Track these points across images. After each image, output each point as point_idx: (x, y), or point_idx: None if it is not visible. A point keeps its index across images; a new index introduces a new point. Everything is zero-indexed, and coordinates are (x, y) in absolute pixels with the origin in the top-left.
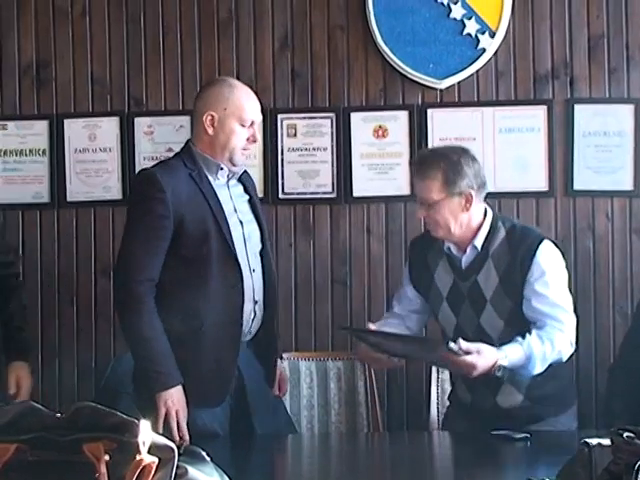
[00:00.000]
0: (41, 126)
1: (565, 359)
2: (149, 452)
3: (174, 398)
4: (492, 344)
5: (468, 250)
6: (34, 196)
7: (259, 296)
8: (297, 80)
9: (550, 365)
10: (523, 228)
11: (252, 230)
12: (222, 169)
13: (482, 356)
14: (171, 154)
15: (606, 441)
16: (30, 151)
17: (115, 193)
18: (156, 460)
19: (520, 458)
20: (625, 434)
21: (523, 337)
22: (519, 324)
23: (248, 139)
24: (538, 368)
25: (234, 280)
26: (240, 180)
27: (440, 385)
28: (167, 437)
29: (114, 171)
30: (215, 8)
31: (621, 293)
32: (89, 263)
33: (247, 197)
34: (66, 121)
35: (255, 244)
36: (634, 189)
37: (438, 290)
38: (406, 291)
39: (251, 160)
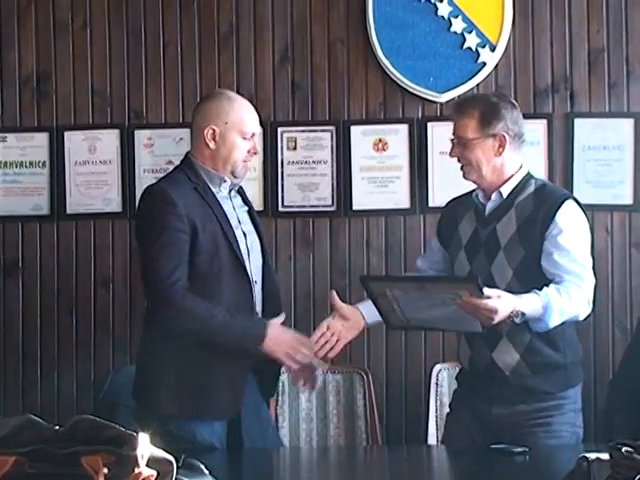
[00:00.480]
0: (41, 138)
1: (582, 317)
2: (148, 465)
3: (273, 342)
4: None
5: (493, 196)
6: (34, 208)
7: (259, 308)
8: (297, 93)
9: (554, 329)
10: (553, 186)
11: (254, 241)
12: (225, 181)
13: (502, 300)
14: (171, 167)
15: (605, 455)
16: (30, 163)
17: (115, 206)
18: (155, 473)
19: (519, 472)
20: (624, 449)
21: (540, 290)
22: (527, 278)
23: (249, 151)
24: (555, 320)
25: (243, 292)
26: (237, 191)
27: (439, 399)
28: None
29: (114, 183)
30: (216, 21)
31: (620, 307)
32: (88, 275)
33: (246, 208)
34: (66, 133)
35: (257, 256)
36: (634, 203)
37: (459, 239)
38: (431, 243)
39: (251, 173)
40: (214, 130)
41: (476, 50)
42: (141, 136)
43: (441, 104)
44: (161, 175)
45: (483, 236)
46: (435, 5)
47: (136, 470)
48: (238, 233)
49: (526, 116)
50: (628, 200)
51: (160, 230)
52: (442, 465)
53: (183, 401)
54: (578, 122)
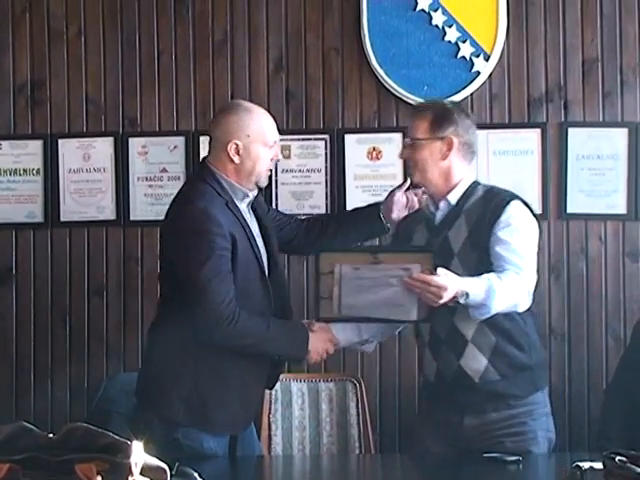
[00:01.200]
0: (35, 146)
1: (521, 309)
2: (141, 473)
3: (313, 348)
4: (456, 303)
5: (441, 205)
6: (28, 215)
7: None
8: (291, 102)
9: (509, 323)
10: (500, 189)
11: (264, 254)
12: (247, 196)
13: (450, 279)
14: (165, 175)
15: (598, 465)
16: (24, 170)
17: (109, 213)
18: None
19: None
20: (617, 458)
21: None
22: None
23: (272, 159)
24: (497, 304)
25: (267, 305)
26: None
27: None
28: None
29: (108, 191)
30: (210, 29)
31: (614, 316)
32: (82, 283)
33: (256, 218)
34: (60, 141)
35: (266, 268)
36: (627, 213)
37: None
38: None
39: None
40: (237, 145)
41: (470, 59)
42: (135, 144)
43: None
44: (155, 183)
45: (436, 245)
46: (429, 14)
47: (130, 478)
48: (261, 248)
49: (520, 125)
50: (622, 209)
51: (209, 252)
52: (435, 474)
53: (195, 412)
54: (572, 131)
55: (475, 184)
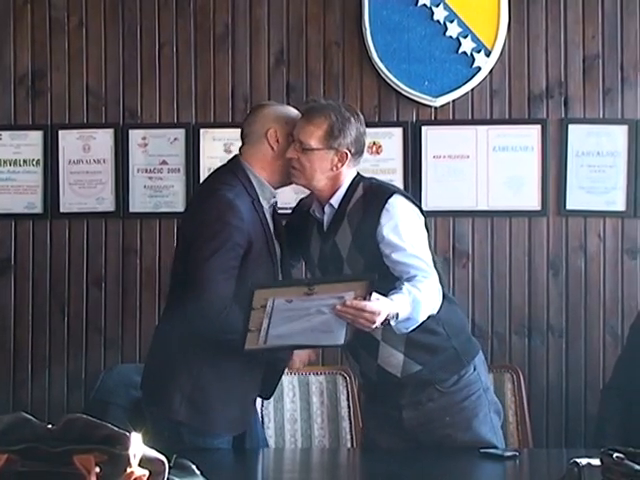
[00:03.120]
0: (35, 136)
1: (436, 310)
2: (140, 465)
3: (297, 356)
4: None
5: (326, 209)
6: (27, 206)
7: None
8: (292, 95)
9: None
10: (379, 185)
11: (278, 258)
12: (274, 197)
13: (382, 303)
14: (165, 167)
15: (596, 461)
16: (24, 161)
17: (108, 205)
18: (147, 473)
19: (509, 477)
20: (615, 454)
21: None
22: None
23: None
24: (422, 315)
25: None
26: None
27: None
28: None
29: (108, 182)
30: (211, 22)
31: (612, 313)
32: (81, 274)
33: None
34: (60, 132)
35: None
36: (626, 209)
37: (312, 259)
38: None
39: None
40: (276, 131)
41: (471, 55)
42: (135, 136)
43: (436, 108)
44: (155, 175)
45: (327, 251)
46: (431, 9)
47: (128, 470)
48: (277, 252)
49: (520, 121)
50: (621, 206)
51: (224, 242)
52: (430, 468)
53: (197, 412)
54: (572, 128)
55: (356, 181)
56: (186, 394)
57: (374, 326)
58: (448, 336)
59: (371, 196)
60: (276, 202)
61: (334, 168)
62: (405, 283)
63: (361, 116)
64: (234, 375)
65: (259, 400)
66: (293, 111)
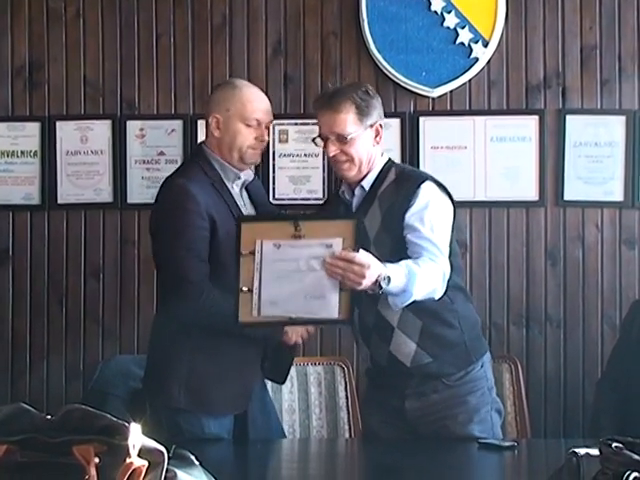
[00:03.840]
0: (33, 128)
1: (437, 295)
2: (139, 455)
3: (291, 328)
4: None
5: (356, 191)
6: (25, 197)
7: None
8: (290, 86)
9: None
10: (412, 170)
11: None
12: (239, 178)
13: (373, 258)
14: (162, 158)
15: (594, 451)
16: (22, 152)
17: (106, 196)
18: (146, 463)
19: (507, 467)
20: (614, 444)
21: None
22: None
23: (256, 138)
24: (418, 291)
25: None
26: (246, 188)
27: None
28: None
29: (105, 174)
30: (209, 13)
31: (610, 303)
32: (79, 265)
33: (252, 205)
34: (58, 123)
35: None
36: (624, 200)
37: None
38: None
39: None
40: (217, 118)
41: (469, 45)
42: (133, 127)
43: (433, 99)
44: (152, 166)
45: (361, 216)
46: (428, 0)
47: (127, 460)
48: None
49: (518, 112)
50: (619, 197)
51: (183, 228)
52: (428, 459)
53: (193, 395)
54: (570, 118)
55: (388, 165)
56: (183, 381)
57: (364, 282)
58: (462, 331)
59: (404, 181)
60: (252, 179)
61: (374, 144)
62: (407, 260)
63: (370, 86)
64: (229, 356)
65: (270, 388)
66: (242, 96)
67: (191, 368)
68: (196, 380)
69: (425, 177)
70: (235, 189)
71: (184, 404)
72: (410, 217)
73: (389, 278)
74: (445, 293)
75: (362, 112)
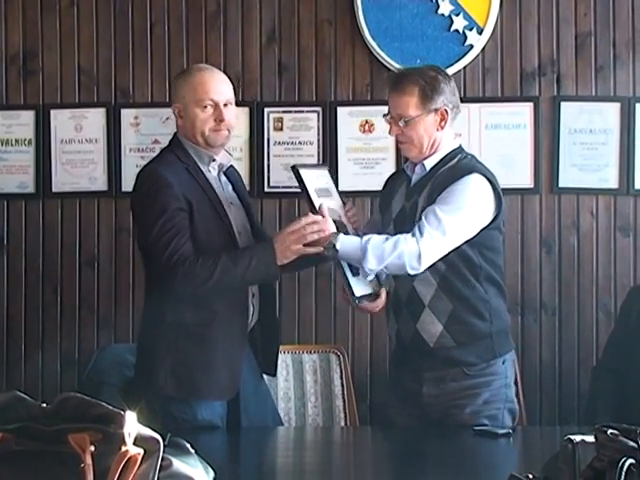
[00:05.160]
0: (27, 116)
1: (409, 270)
2: (134, 443)
3: (285, 250)
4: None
5: (417, 169)
6: (19, 186)
7: (255, 289)
8: (284, 74)
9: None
10: (470, 160)
11: (245, 223)
12: (214, 160)
13: (326, 221)
14: (157, 146)
15: (590, 438)
16: (16, 141)
17: (101, 184)
18: (141, 451)
19: (503, 454)
20: (609, 431)
21: None
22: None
23: (215, 120)
24: (372, 263)
25: None
26: (225, 174)
27: None
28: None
29: (100, 162)
30: (203, 1)
31: (605, 291)
32: (74, 254)
33: (234, 189)
34: (52, 111)
35: (248, 236)
36: (619, 187)
37: (391, 212)
38: (374, 216)
39: (237, 153)
40: (178, 107)
41: (463, 33)
42: (127, 115)
43: None
44: (147, 154)
45: (408, 208)
46: None
47: (123, 448)
48: (230, 214)
49: (512, 99)
50: (614, 184)
51: (160, 212)
52: (424, 446)
53: (182, 383)
54: (564, 105)
55: (456, 152)
56: (169, 369)
57: (308, 237)
58: (491, 323)
59: (458, 168)
60: (229, 165)
61: (439, 128)
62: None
63: (445, 71)
64: (215, 343)
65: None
66: (193, 81)
67: (177, 356)
68: (182, 368)
69: (477, 169)
70: (212, 172)
71: (172, 391)
72: (440, 194)
73: (334, 248)
74: (479, 283)
75: (426, 96)
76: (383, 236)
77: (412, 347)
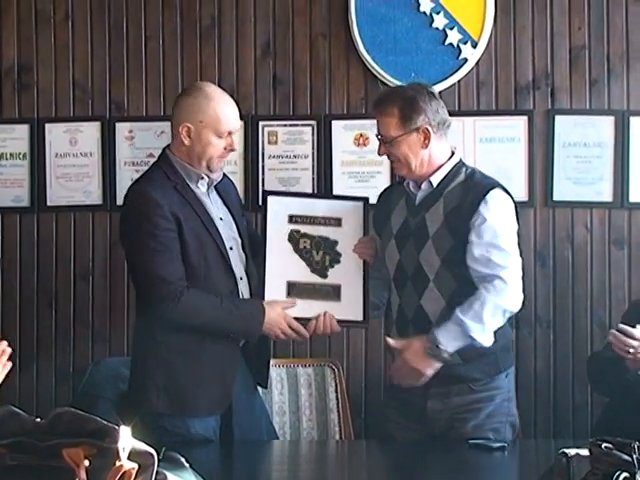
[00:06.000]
0: (22, 130)
1: (516, 309)
2: (129, 458)
3: (272, 322)
4: (425, 283)
5: (423, 185)
6: (14, 200)
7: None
8: (279, 87)
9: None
10: (482, 175)
11: (235, 238)
12: (203, 178)
13: (412, 348)
14: (152, 160)
15: (584, 451)
16: (11, 155)
17: (95, 198)
18: (136, 466)
19: (497, 467)
20: (604, 445)
21: (455, 306)
22: (456, 267)
23: (225, 148)
24: (480, 335)
25: (230, 287)
26: (215, 187)
27: None
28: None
29: (94, 176)
30: (198, 15)
31: (599, 304)
32: (68, 267)
33: (224, 204)
34: (47, 125)
35: (239, 252)
36: (613, 200)
37: (391, 228)
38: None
39: (231, 166)
40: (189, 128)
41: (458, 46)
42: (122, 129)
43: None
44: (141, 168)
45: (413, 225)
46: (417, 1)
47: (117, 463)
48: (220, 229)
49: (507, 112)
50: (608, 197)
51: (150, 232)
52: (418, 460)
53: (174, 400)
54: (559, 119)
55: (459, 166)
56: (160, 386)
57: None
58: (496, 340)
59: (473, 183)
60: (222, 179)
61: (423, 146)
62: (465, 303)
63: (430, 90)
64: (207, 359)
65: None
66: (216, 107)
67: (169, 373)
68: (174, 384)
69: (493, 184)
70: (201, 189)
71: (164, 408)
72: (479, 226)
73: (446, 351)
74: None
75: (405, 116)
76: (465, 306)
77: (414, 323)
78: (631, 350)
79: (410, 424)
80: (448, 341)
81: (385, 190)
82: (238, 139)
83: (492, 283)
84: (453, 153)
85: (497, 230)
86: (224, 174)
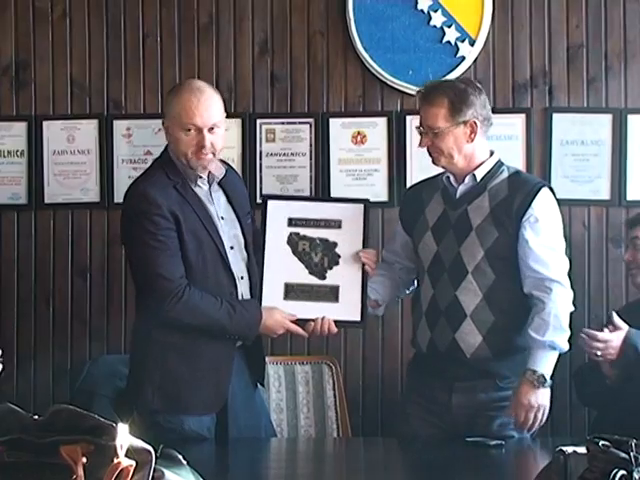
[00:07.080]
0: (20, 127)
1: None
2: (126, 455)
3: (269, 329)
4: (463, 275)
5: (467, 179)
6: (11, 197)
7: (245, 297)
8: (276, 85)
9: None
10: (527, 174)
11: (237, 237)
12: (201, 177)
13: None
14: (149, 157)
15: (582, 449)
16: (8, 152)
17: (93, 195)
18: (133, 463)
19: (495, 465)
20: (601, 442)
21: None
22: (497, 259)
23: (196, 145)
24: (563, 338)
25: (229, 287)
26: (220, 184)
27: None
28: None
29: (92, 173)
30: (195, 12)
31: (597, 302)
32: (66, 265)
33: (229, 203)
34: (45, 123)
35: (241, 251)
36: (611, 198)
37: (426, 221)
38: (395, 229)
39: (230, 164)
40: (167, 125)
41: (455, 44)
42: (120, 126)
43: None
44: (139, 165)
45: (453, 217)
46: None
47: (115, 460)
48: (220, 229)
49: (504, 110)
50: (605, 195)
51: (150, 232)
52: (415, 458)
53: (168, 398)
54: (556, 117)
55: (499, 164)
56: (156, 384)
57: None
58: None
59: (521, 182)
60: (225, 175)
61: (469, 140)
62: (535, 318)
63: (479, 85)
64: (202, 357)
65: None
66: (179, 102)
67: (164, 371)
68: (170, 382)
69: (542, 184)
70: (203, 188)
71: (159, 406)
72: (533, 224)
73: (543, 376)
74: (526, 296)
75: (455, 108)
76: (537, 325)
77: (446, 356)
78: (598, 352)
79: (434, 420)
80: (545, 366)
81: (411, 188)
82: (236, 136)
83: (553, 289)
84: (492, 152)
85: (553, 231)
86: (233, 170)
